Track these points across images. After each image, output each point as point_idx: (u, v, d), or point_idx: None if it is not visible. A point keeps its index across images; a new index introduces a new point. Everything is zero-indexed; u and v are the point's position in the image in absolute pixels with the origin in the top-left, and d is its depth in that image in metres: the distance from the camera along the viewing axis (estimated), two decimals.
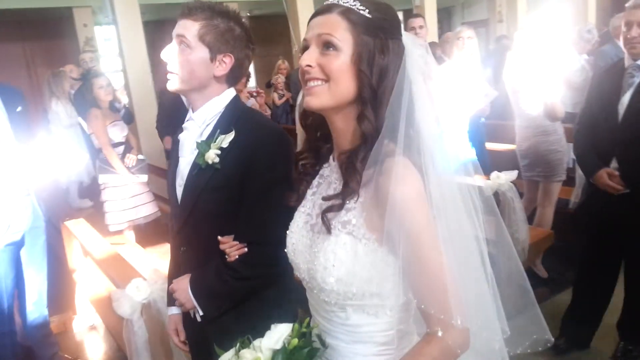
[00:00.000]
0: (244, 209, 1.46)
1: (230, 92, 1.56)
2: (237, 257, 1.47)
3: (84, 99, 4.75)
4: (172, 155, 1.66)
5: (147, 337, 1.97)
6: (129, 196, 4.21)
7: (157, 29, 7.67)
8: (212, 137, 1.49)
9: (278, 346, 1.04)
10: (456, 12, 14.18)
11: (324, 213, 1.04)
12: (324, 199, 1.07)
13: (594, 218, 2.70)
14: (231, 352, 1.07)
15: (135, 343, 1.94)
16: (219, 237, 1.48)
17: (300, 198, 1.19)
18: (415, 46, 1.06)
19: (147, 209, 4.30)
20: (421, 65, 1.05)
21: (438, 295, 0.97)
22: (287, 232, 1.19)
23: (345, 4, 1.02)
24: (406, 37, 1.06)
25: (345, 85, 1.02)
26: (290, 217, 1.22)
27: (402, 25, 1.08)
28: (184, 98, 1.72)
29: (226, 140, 1.46)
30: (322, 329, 1.12)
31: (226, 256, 1.49)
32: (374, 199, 1.00)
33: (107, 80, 4.21)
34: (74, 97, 5.70)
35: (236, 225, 1.48)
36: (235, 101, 1.56)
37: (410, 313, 1.10)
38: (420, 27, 4.37)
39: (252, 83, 7.69)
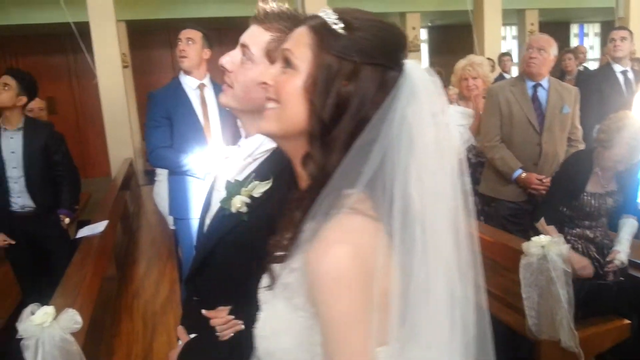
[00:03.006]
0: (253, 280, 1.12)
1: None
2: (231, 335, 1.18)
3: None
4: (211, 185, 1.39)
5: None
6: None
7: None
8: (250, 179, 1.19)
9: None
10: None
11: (268, 263, 0.85)
12: (271, 245, 0.87)
13: None
14: None
15: None
16: (204, 312, 1.21)
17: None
18: (422, 82, 0.81)
19: None
20: (427, 107, 0.80)
21: None
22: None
23: (323, 17, 0.83)
24: (412, 68, 0.81)
25: (293, 113, 0.83)
26: None
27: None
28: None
29: (259, 189, 1.15)
30: None
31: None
32: None
33: None
34: None
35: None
36: None
37: None
38: (622, 38, 3.97)
39: None
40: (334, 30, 0.81)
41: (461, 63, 3.74)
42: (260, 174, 1.18)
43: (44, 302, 1.80)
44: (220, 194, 1.23)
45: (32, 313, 1.73)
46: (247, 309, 1.12)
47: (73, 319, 1.77)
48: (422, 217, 0.77)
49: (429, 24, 11.35)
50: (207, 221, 1.29)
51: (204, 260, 1.25)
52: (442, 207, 0.79)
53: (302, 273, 0.77)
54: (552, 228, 2.71)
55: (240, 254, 1.15)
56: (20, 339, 1.68)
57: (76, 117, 9.60)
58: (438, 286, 0.78)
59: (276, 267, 0.84)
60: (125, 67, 6.66)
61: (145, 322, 2.72)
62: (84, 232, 2.96)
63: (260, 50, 1.15)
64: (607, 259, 2.68)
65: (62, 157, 3.50)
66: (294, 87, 0.82)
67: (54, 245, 3.46)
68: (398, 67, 0.81)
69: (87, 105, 9.23)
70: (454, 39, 10.27)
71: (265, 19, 1.15)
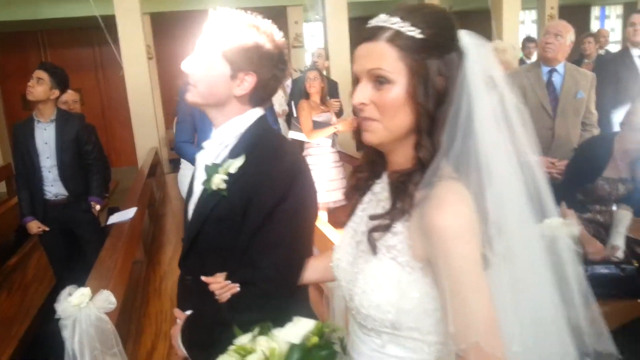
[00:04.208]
0: (241, 244, 1.30)
1: (255, 113, 1.38)
2: (229, 297, 1.31)
3: (299, 90, 5.26)
4: (192, 175, 1.51)
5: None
6: (326, 180, 4.57)
7: (361, 26, 7.97)
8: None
9: (296, 341, 0.98)
10: None
11: (370, 232, 0.98)
12: (371, 217, 1.00)
13: None
14: (249, 336, 1.03)
15: (333, 310, 2.11)
16: (203, 278, 1.34)
17: (350, 213, 1.12)
18: (476, 49, 0.94)
19: (337, 195, 4.58)
20: (483, 71, 0.94)
21: (477, 335, 0.87)
22: (334, 246, 1.14)
23: (393, 26, 0.92)
24: (465, 40, 0.95)
25: (401, 120, 0.94)
26: (299, 257, 1.28)
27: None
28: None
29: (234, 165, 1.30)
30: (358, 351, 1.06)
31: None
32: (420, 225, 0.91)
33: (314, 74, 4.60)
34: (291, 88, 6.29)
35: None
36: (259, 123, 1.38)
37: (452, 354, 0.96)
38: None
39: None
40: (412, 37, 0.91)
41: None
42: (233, 155, 1.33)
43: (78, 285, 1.91)
44: (200, 181, 1.38)
45: (70, 294, 1.83)
46: (239, 273, 1.30)
47: (108, 299, 1.88)
48: (488, 167, 0.92)
49: (449, 10, 11.25)
50: (191, 207, 1.42)
51: (193, 240, 1.39)
52: (504, 156, 0.94)
53: (408, 234, 0.94)
54: (571, 212, 2.75)
55: (224, 226, 1.31)
56: (59, 319, 1.79)
57: (102, 108, 9.82)
58: (510, 221, 0.94)
59: (375, 234, 0.97)
60: (149, 58, 6.80)
61: (173, 303, 2.80)
62: (114, 218, 3.11)
63: (217, 51, 1.31)
64: (607, 252, 2.73)
65: (92, 147, 3.65)
66: (396, 98, 0.92)
67: (85, 230, 3.62)
68: (457, 43, 0.94)
69: (113, 97, 9.44)
70: (473, 25, 9.96)
71: (221, 22, 1.31)
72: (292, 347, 0.98)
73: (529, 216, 0.98)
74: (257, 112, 1.39)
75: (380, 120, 0.95)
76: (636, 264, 2.68)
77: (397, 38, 0.91)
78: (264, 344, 0.98)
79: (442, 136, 0.92)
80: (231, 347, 1.02)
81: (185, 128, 3.10)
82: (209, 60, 1.32)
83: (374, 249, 0.97)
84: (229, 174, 1.30)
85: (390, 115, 0.94)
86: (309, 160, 4.59)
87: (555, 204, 2.73)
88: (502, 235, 0.92)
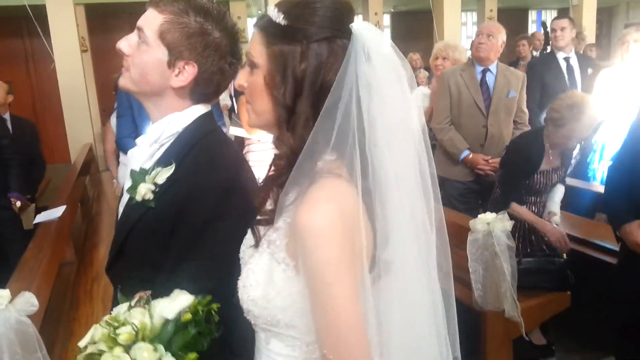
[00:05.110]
0: (169, 264, 1.15)
1: (195, 111, 1.24)
2: None
3: None
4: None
5: None
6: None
7: None
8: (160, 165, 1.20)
9: (170, 316, 0.94)
10: (619, 13, 12.94)
11: (254, 225, 0.96)
12: (261, 212, 0.97)
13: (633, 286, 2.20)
14: (125, 305, 0.97)
15: None
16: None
17: (260, 205, 1.04)
18: (373, 41, 0.89)
19: None
20: (376, 67, 0.88)
21: (336, 343, 0.83)
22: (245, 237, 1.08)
23: (268, 14, 0.93)
24: (360, 30, 0.89)
25: (263, 106, 0.93)
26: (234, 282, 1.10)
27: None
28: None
29: (162, 175, 1.16)
30: (256, 347, 1.03)
31: None
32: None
33: None
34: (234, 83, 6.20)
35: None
36: (201, 123, 1.23)
37: None
38: (563, 28, 4.16)
39: None
40: (278, 24, 0.90)
41: (440, 44, 3.96)
42: (165, 159, 1.19)
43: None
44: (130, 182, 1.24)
45: None
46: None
47: (29, 301, 1.78)
48: (387, 169, 0.88)
49: (392, 10, 11.43)
50: (121, 208, 1.29)
51: (119, 249, 1.26)
52: (404, 155, 0.91)
53: (286, 231, 0.90)
54: (524, 209, 2.84)
55: (151, 239, 1.18)
56: None
57: (33, 103, 9.37)
58: (402, 233, 0.90)
59: (261, 228, 0.95)
60: (84, 51, 6.54)
61: (105, 305, 2.73)
62: (41, 217, 2.96)
63: (153, 32, 1.17)
64: (545, 218, 2.87)
65: (8, 141, 3.49)
66: (258, 83, 0.93)
67: (6, 228, 3.48)
68: (346, 33, 0.89)
69: (45, 90, 9.02)
70: (416, 25, 10.40)
71: (160, 2, 1.18)
72: (166, 322, 0.94)
73: (415, 223, 0.93)
74: (199, 109, 1.24)
75: (251, 103, 0.97)
76: (565, 257, 2.79)
77: (266, 24, 0.93)
78: (137, 317, 0.93)
79: (306, 129, 0.88)
80: (106, 317, 0.96)
81: (126, 122, 3.03)
82: (144, 42, 1.17)
83: (257, 242, 0.96)
84: (156, 184, 1.17)
85: (254, 100, 0.95)
86: (250, 156, 4.53)
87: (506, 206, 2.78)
88: (389, 242, 0.89)
